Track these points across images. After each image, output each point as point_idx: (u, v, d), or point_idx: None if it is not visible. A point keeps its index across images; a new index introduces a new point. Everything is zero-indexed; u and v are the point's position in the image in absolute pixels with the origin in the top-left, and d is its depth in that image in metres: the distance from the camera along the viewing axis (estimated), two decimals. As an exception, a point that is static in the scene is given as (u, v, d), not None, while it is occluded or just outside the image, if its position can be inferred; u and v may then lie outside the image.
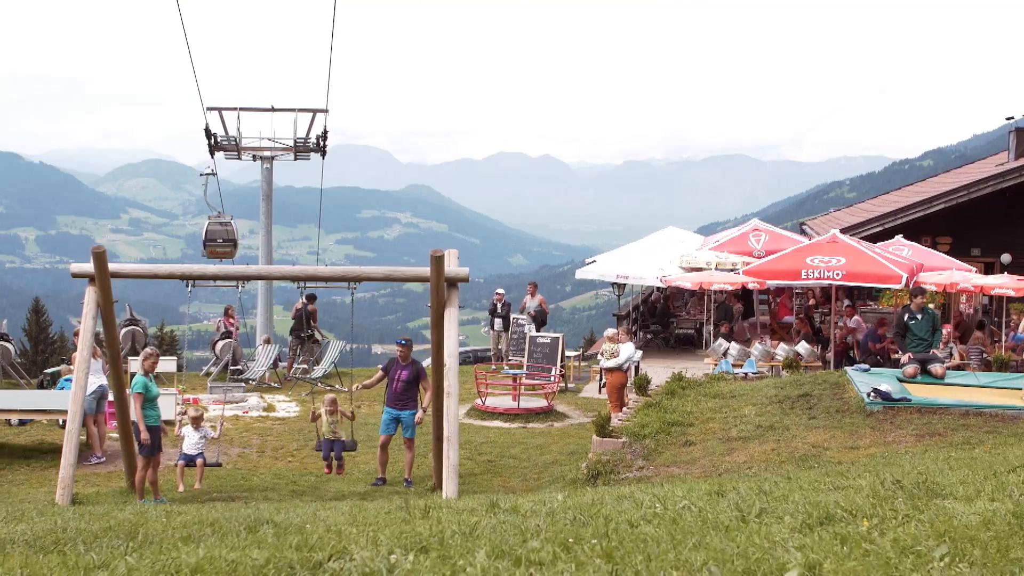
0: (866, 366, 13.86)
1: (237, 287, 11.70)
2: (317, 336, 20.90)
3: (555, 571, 2.69)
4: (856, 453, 9.89)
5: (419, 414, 12.00)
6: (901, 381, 12.61)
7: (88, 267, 10.90)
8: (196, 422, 11.79)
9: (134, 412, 10.83)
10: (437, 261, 10.57)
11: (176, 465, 11.88)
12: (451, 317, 10.85)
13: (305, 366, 20.18)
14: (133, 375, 12.16)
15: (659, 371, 17.18)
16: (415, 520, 4.05)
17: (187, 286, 10.81)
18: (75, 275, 11.15)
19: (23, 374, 19.47)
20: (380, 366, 12.74)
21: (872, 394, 11.35)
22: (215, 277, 11.41)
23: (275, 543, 3.20)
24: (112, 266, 10.93)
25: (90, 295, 11.00)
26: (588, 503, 4.47)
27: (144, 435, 10.77)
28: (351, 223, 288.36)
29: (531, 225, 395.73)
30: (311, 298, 20.98)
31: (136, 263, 12.22)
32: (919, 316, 13.24)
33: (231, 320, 20.70)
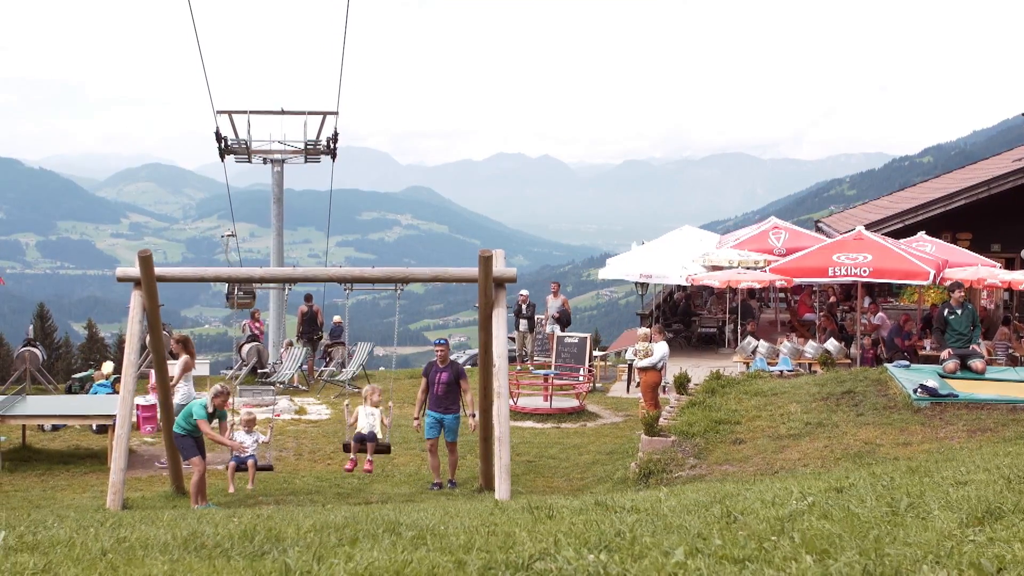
0: (906, 362, 13.86)
1: (283, 288, 11.67)
2: (325, 337, 21.20)
3: (775, 567, 2.67)
4: (910, 449, 9.87)
5: (472, 421, 11.67)
6: (942, 377, 12.60)
7: (134, 271, 10.86)
8: (249, 425, 11.78)
9: (206, 432, 10.97)
10: (485, 261, 10.54)
11: (226, 467, 11.86)
12: (499, 317, 10.82)
13: (332, 368, 20.20)
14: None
15: (684, 370, 17.15)
16: (544, 520, 4.03)
17: (229, 287, 10.80)
18: (120, 279, 11.10)
19: (51, 379, 19.46)
20: (423, 371, 12.59)
21: (919, 390, 11.34)
22: (262, 280, 11.38)
23: (439, 545, 3.17)
24: (158, 270, 10.90)
25: (136, 299, 10.95)
26: (708, 501, 4.45)
27: (237, 448, 10.98)
28: (352, 225, 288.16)
29: (531, 226, 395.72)
30: (309, 298, 21.15)
31: (172, 267, 12.22)
32: (959, 312, 13.24)
33: (258, 323, 20.72)
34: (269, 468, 12.27)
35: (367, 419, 11.90)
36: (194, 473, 10.95)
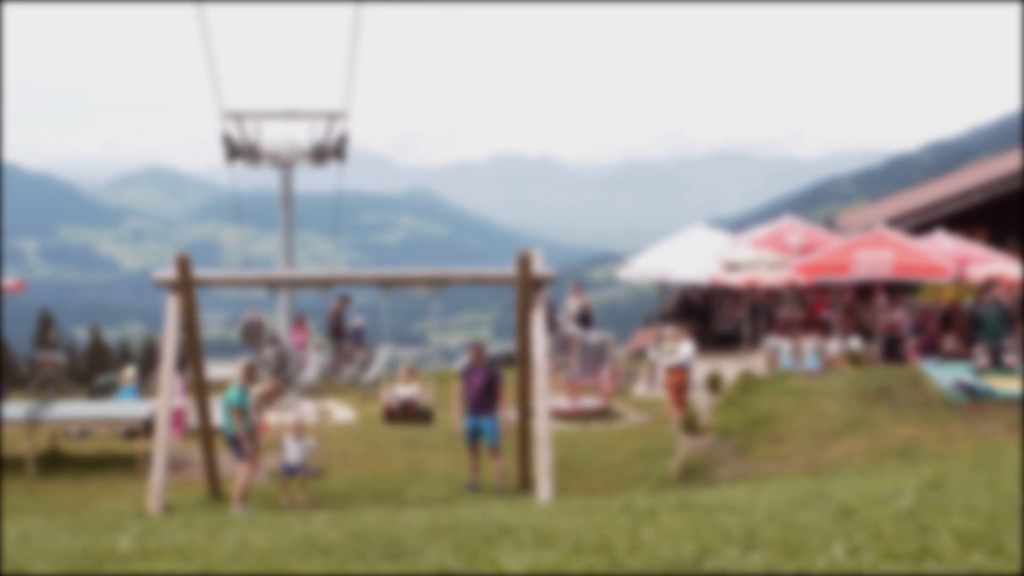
0: (938, 359, 13.86)
1: (322, 291, 11.65)
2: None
3: (948, 564, 2.65)
4: (954, 446, 9.88)
5: (505, 424, 11.71)
6: (976, 373, 12.59)
7: (171, 274, 10.85)
8: (298, 431, 11.74)
9: (236, 425, 10.92)
10: (524, 262, 10.54)
11: (281, 477, 11.80)
12: (537, 319, 10.82)
13: (353, 370, 20.17)
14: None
15: (714, 369, 17.13)
16: (646, 521, 4.01)
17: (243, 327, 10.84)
18: (158, 283, 11.09)
19: (72, 384, 19.45)
20: (460, 374, 12.54)
21: (957, 387, 11.35)
22: (300, 282, 11.35)
23: (569, 546, 3.16)
24: (196, 274, 10.88)
25: (173, 303, 10.94)
26: (802, 498, 4.45)
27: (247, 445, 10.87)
28: (351, 228, 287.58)
29: (531, 226, 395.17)
30: (341, 299, 21.21)
31: (218, 271, 12.29)
32: (991, 308, 13.25)
33: (303, 331, 20.67)
34: (320, 474, 12.25)
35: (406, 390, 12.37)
36: (242, 475, 10.94)
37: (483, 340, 12.84)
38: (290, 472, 11.60)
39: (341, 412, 17.62)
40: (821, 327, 23.03)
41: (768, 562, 2.77)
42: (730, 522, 3.63)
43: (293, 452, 11.57)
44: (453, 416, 12.28)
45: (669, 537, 3.31)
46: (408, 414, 12.17)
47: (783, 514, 3.85)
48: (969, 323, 13.57)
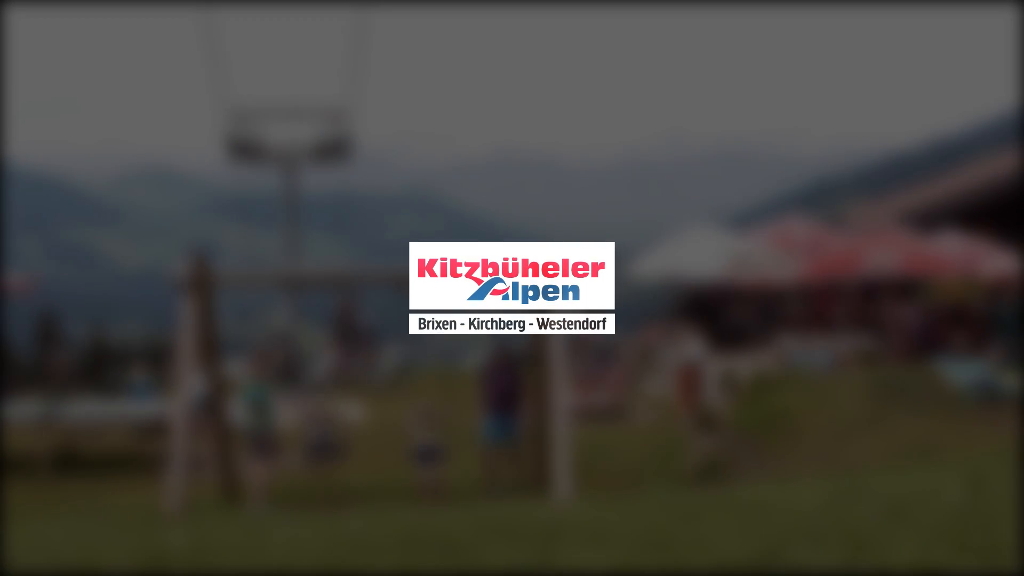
0: (953, 357, 13.87)
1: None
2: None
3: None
4: (973, 443, 9.88)
5: (519, 423, 11.72)
6: (992, 371, 12.61)
7: (186, 273, 10.81)
8: (316, 418, 11.93)
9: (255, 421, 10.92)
10: (541, 260, 10.51)
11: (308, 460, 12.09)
12: (554, 316, 10.79)
13: (360, 367, 20.20)
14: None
15: (724, 368, 17.11)
16: (693, 521, 4.00)
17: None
18: (172, 283, 11.05)
19: (79, 383, 19.45)
20: (482, 371, 12.51)
21: (973, 385, 11.36)
22: (319, 282, 11.35)
23: (628, 542, 3.16)
24: (214, 272, 10.86)
25: (189, 302, 10.91)
26: (838, 493, 4.45)
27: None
28: (350, 227, 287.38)
29: (532, 226, 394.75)
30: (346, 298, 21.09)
31: (237, 269, 12.28)
32: (1006, 307, 13.27)
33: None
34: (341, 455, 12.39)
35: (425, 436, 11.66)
36: (261, 473, 10.95)
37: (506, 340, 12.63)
38: (316, 455, 11.77)
39: (351, 410, 17.61)
40: (830, 325, 23.06)
41: (843, 558, 2.76)
42: (784, 519, 3.62)
43: (316, 436, 11.74)
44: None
45: (729, 534, 3.30)
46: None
47: (834, 511, 3.84)
48: (986, 322, 13.57)
